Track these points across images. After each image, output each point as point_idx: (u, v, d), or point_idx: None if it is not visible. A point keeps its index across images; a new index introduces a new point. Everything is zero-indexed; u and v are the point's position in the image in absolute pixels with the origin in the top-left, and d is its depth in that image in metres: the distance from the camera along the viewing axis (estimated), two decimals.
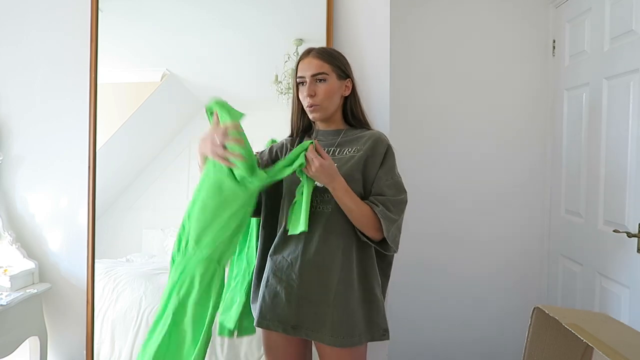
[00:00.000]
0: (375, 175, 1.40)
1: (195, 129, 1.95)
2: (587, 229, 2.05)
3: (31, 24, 1.88)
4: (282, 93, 1.85)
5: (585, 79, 2.08)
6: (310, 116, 1.46)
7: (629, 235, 1.73)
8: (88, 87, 1.82)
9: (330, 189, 1.32)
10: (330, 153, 1.44)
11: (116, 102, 1.93)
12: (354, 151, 1.42)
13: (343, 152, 1.44)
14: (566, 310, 1.04)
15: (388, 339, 1.43)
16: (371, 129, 1.51)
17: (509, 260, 2.49)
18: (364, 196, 1.39)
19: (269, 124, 1.90)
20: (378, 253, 1.44)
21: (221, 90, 1.98)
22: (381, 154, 1.41)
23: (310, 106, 1.42)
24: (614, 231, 1.80)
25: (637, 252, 1.71)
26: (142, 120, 1.97)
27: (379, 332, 1.41)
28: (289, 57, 1.83)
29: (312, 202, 1.34)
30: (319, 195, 1.38)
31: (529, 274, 2.48)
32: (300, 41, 1.83)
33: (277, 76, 1.85)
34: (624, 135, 1.79)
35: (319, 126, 1.52)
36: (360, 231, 1.37)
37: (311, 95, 1.41)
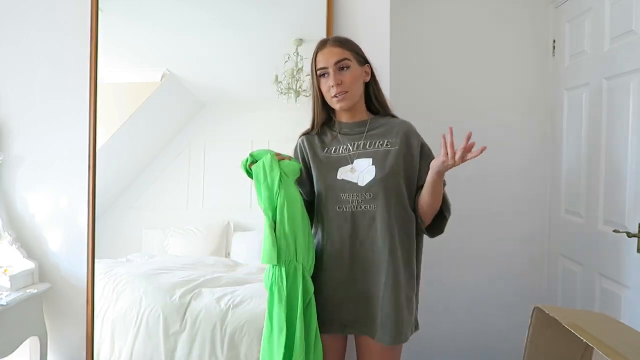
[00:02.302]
0: (418, 167, 1.43)
1: (195, 129, 1.95)
2: (587, 229, 2.05)
3: (31, 24, 1.88)
4: (282, 93, 1.85)
5: (585, 79, 2.07)
6: (337, 106, 1.43)
7: (629, 235, 1.72)
8: (88, 87, 1.82)
9: (437, 178, 1.33)
10: (361, 146, 1.43)
11: (116, 102, 1.93)
12: (387, 144, 1.43)
13: (375, 145, 1.43)
14: (566, 310, 1.04)
15: (418, 328, 1.48)
16: (395, 116, 1.52)
17: (509, 260, 2.48)
18: (406, 187, 1.41)
19: (269, 124, 1.90)
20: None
21: (221, 90, 1.99)
22: (417, 147, 1.44)
23: (339, 94, 1.40)
24: (614, 231, 1.80)
25: (637, 252, 1.71)
26: (142, 120, 1.97)
27: (414, 324, 1.46)
28: (289, 57, 1.83)
29: (355, 201, 1.38)
30: (361, 195, 1.38)
31: (529, 274, 2.48)
32: (300, 41, 1.83)
33: (277, 76, 1.85)
34: (624, 135, 1.79)
35: (342, 118, 1.49)
36: (420, 219, 1.43)
37: (338, 84, 1.39)
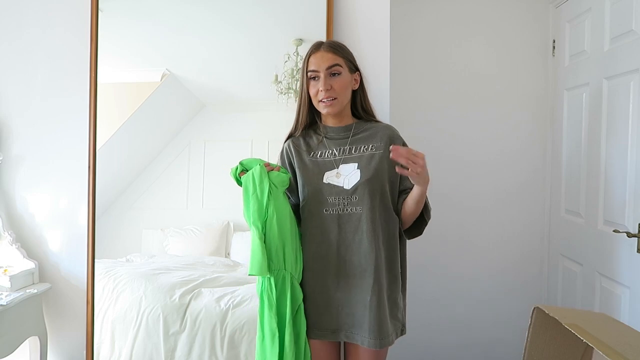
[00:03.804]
0: None
1: (195, 129, 1.95)
2: (587, 229, 2.05)
3: (31, 24, 1.88)
4: (282, 93, 1.85)
5: (585, 79, 2.07)
6: (324, 111, 1.44)
7: (629, 235, 1.73)
8: (88, 86, 1.82)
9: (421, 190, 1.35)
10: (347, 151, 1.45)
11: (116, 102, 1.93)
12: (371, 149, 1.44)
13: (360, 150, 1.45)
14: (566, 310, 1.04)
15: (405, 333, 1.48)
16: (378, 121, 1.54)
17: (509, 261, 2.49)
18: (389, 190, 1.43)
19: (269, 124, 1.90)
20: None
21: (221, 90, 1.99)
22: None
23: (327, 99, 1.41)
24: (614, 231, 1.80)
25: (637, 252, 1.71)
26: (142, 120, 1.97)
27: (400, 328, 1.46)
28: (289, 57, 1.83)
29: (341, 204, 1.40)
30: (347, 197, 1.40)
31: (529, 274, 2.48)
32: (300, 41, 1.83)
33: (277, 76, 1.85)
34: (624, 135, 1.79)
35: (328, 122, 1.51)
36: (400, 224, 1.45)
37: (327, 89, 1.40)
